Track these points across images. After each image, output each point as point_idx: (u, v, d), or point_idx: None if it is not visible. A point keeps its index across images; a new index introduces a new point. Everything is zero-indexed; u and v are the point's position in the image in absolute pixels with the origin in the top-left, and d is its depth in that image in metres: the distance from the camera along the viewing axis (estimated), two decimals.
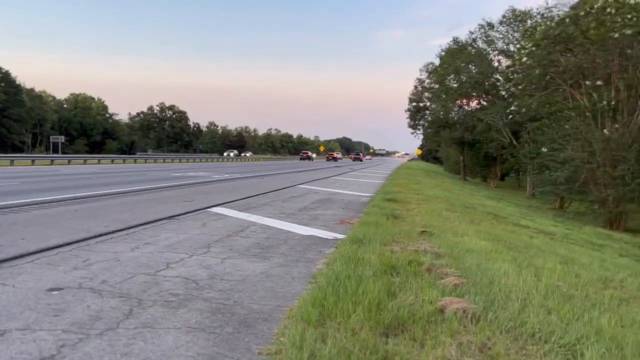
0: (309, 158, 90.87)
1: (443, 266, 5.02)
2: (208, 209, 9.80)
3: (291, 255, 5.67)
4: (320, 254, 5.79)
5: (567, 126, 21.41)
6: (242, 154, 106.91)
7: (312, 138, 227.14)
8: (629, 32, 17.30)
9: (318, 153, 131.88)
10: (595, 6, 18.12)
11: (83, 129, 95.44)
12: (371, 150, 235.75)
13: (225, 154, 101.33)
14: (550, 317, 3.66)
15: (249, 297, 3.95)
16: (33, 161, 36.26)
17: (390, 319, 3.33)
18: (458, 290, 4.10)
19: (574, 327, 3.49)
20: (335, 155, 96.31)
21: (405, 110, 53.09)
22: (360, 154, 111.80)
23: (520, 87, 24.53)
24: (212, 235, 6.84)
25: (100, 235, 6.53)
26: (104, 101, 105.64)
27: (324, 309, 3.46)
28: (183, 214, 9.00)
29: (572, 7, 21.36)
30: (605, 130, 18.80)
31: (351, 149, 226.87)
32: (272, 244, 6.36)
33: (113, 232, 6.81)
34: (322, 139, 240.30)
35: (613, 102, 19.17)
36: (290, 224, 8.18)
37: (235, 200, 11.68)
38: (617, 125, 18.78)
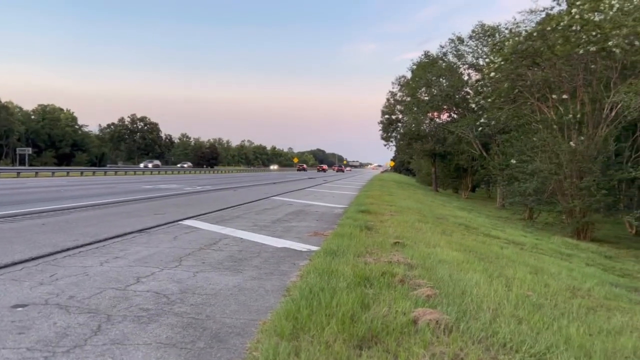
0: (304, 170, 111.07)
1: (416, 277, 5.05)
2: (180, 222, 9.67)
3: (265, 268, 5.62)
4: (294, 266, 5.76)
5: (535, 138, 21.89)
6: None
7: (285, 150, 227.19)
8: (593, 48, 17.86)
9: (290, 164, 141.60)
10: (562, 23, 18.66)
11: (51, 141, 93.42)
12: (345, 162, 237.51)
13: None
14: (521, 327, 3.71)
15: (221, 311, 3.90)
16: None
17: (364, 331, 3.32)
18: (431, 301, 4.12)
19: (544, 336, 3.54)
20: (324, 167, 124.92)
21: (378, 123, 53.69)
22: (342, 166, 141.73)
23: (489, 100, 25.03)
24: (183, 248, 6.75)
25: (68, 249, 6.37)
26: (73, 112, 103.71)
27: (297, 322, 3.43)
28: (154, 227, 8.85)
29: (539, 23, 21.96)
30: (571, 143, 19.28)
31: (325, 161, 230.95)
32: (245, 256, 6.30)
33: (81, 246, 6.65)
34: (295, 150, 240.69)
35: (578, 115, 19.70)
36: (264, 236, 8.13)
37: (207, 213, 11.56)
38: (582, 138, 19.28)
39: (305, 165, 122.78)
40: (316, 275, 4.84)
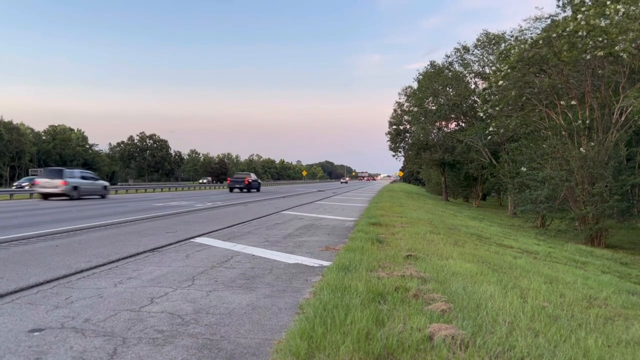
0: (368, 180, 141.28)
1: (430, 291, 5.02)
2: (191, 240, 9.71)
3: (277, 285, 5.62)
4: (306, 282, 5.75)
5: (544, 145, 21.77)
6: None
7: (294, 162, 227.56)
8: (600, 53, 17.80)
9: (298, 177, 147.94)
10: (567, 29, 18.63)
11: (62, 161, 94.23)
12: (353, 174, 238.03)
13: (200, 180, 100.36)
14: (538, 340, 3.67)
15: (235, 331, 3.90)
16: (11, 195, 35.61)
17: (380, 348, 3.31)
18: (446, 316, 4.10)
19: (562, 350, 3.50)
20: (370, 177, 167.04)
21: (386, 134, 53.64)
22: (372, 176, 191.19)
23: (497, 108, 24.94)
24: (196, 267, 6.77)
25: (82, 271, 6.41)
26: (83, 132, 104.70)
27: (312, 341, 3.43)
28: (166, 245, 8.89)
29: (545, 30, 21.92)
30: (581, 149, 19.16)
31: (334, 173, 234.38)
32: (257, 274, 6.30)
33: (95, 267, 6.69)
34: (304, 163, 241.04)
35: (588, 121, 19.60)
36: (276, 252, 8.13)
37: (218, 230, 11.59)
38: (592, 143, 19.15)
39: (371, 177, 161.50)
40: (329, 291, 4.83)
